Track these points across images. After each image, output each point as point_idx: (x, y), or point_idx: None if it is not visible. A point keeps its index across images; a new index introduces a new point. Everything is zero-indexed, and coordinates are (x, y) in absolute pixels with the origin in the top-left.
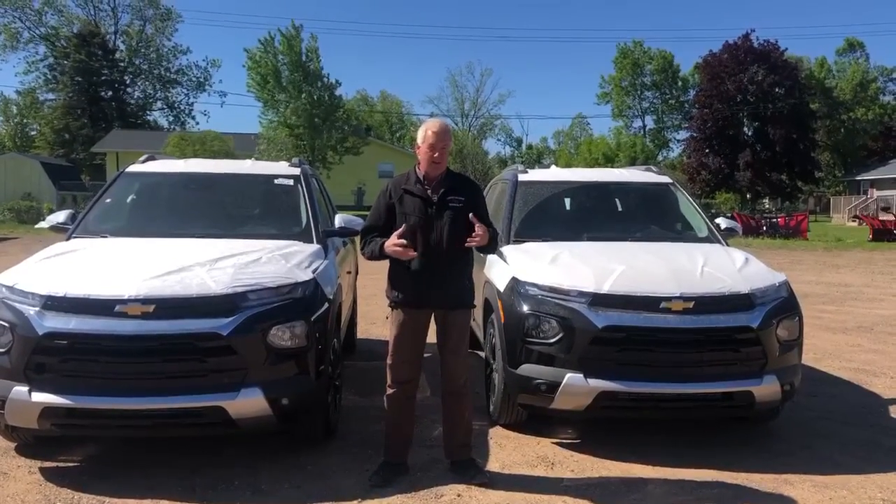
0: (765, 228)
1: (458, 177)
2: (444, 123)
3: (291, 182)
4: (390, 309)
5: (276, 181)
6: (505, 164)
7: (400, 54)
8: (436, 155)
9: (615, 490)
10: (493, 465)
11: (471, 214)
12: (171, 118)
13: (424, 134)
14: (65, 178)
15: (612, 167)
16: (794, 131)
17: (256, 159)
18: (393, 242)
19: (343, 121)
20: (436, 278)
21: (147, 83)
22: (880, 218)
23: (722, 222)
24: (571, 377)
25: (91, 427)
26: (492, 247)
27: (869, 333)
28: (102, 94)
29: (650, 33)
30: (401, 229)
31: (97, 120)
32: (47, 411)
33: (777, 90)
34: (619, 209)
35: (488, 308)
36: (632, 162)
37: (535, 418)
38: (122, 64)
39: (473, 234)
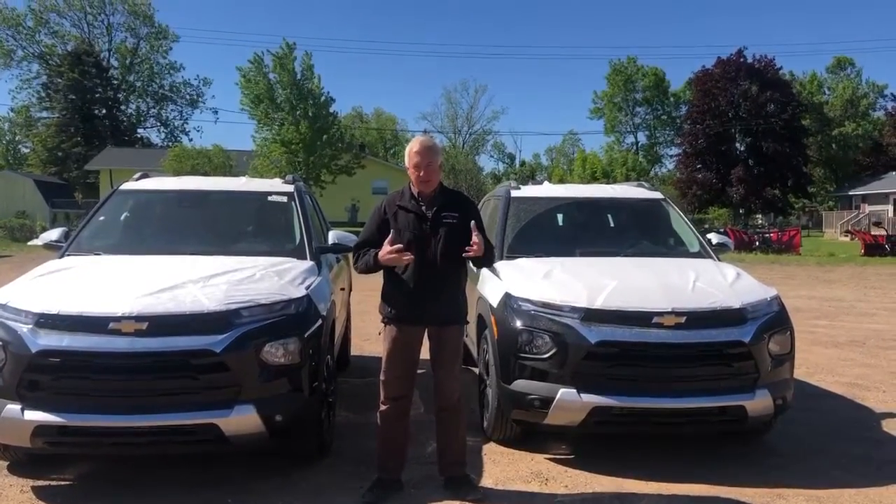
0: (757, 243)
1: (452, 193)
2: (426, 141)
3: (285, 199)
4: (383, 325)
5: (269, 198)
6: (498, 180)
7: (394, 72)
8: (422, 174)
9: None
10: (487, 481)
11: (472, 222)
12: (164, 135)
13: (408, 155)
14: (58, 195)
15: (607, 183)
16: (786, 146)
17: (250, 176)
18: (387, 250)
19: (338, 138)
20: (429, 294)
21: (140, 100)
22: (872, 233)
23: (713, 238)
24: (565, 392)
25: (84, 445)
26: (488, 259)
27: (861, 348)
28: (96, 111)
29: (642, 50)
30: (390, 237)
31: (90, 138)
32: (40, 429)
33: (770, 106)
34: (612, 225)
35: (482, 324)
36: (627, 178)
37: (529, 434)
38: (115, 82)
39: (470, 244)
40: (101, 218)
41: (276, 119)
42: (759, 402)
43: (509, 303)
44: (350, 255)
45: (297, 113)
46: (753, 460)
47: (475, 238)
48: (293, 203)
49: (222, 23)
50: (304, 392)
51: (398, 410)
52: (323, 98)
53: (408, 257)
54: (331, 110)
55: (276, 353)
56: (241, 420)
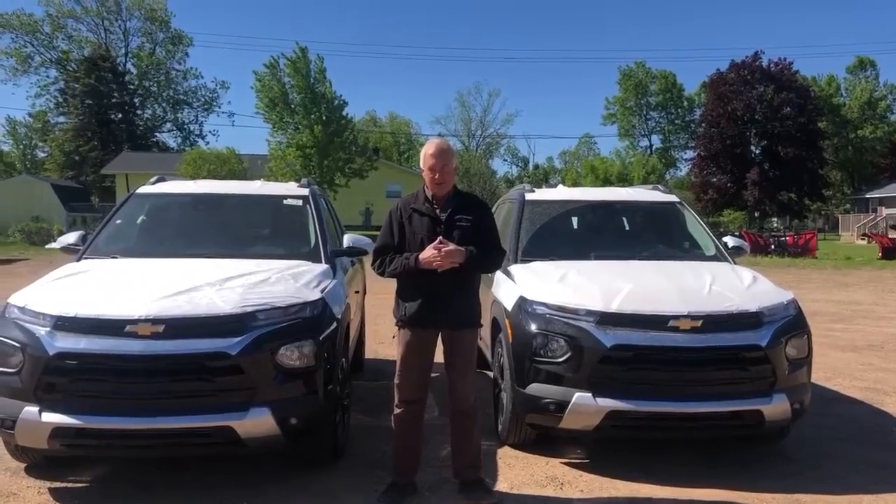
0: (773, 247)
1: (466, 196)
2: (441, 143)
3: (300, 202)
4: (397, 328)
5: (284, 202)
6: (511, 183)
7: (409, 76)
8: (437, 176)
9: None
10: (502, 486)
11: (439, 239)
12: (180, 139)
13: (423, 157)
14: (75, 199)
15: (622, 186)
16: (802, 150)
17: (266, 180)
18: (430, 254)
19: (350, 141)
20: (443, 297)
21: (157, 105)
22: (890, 236)
23: (729, 241)
24: (580, 396)
25: (100, 447)
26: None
27: (879, 352)
28: (112, 116)
29: (656, 53)
30: (436, 241)
31: (107, 142)
32: (57, 431)
33: (787, 109)
34: (627, 228)
35: (496, 327)
36: (646, 181)
37: (544, 438)
38: (131, 86)
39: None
40: (118, 221)
41: (290, 123)
42: (776, 407)
43: (524, 306)
44: (364, 259)
45: (312, 117)
46: (770, 465)
47: (444, 246)
48: (308, 206)
49: (237, 27)
50: (318, 395)
51: (412, 414)
52: (336, 102)
53: (454, 260)
54: (344, 114)
55: (291, 355)
56: (256, 422)
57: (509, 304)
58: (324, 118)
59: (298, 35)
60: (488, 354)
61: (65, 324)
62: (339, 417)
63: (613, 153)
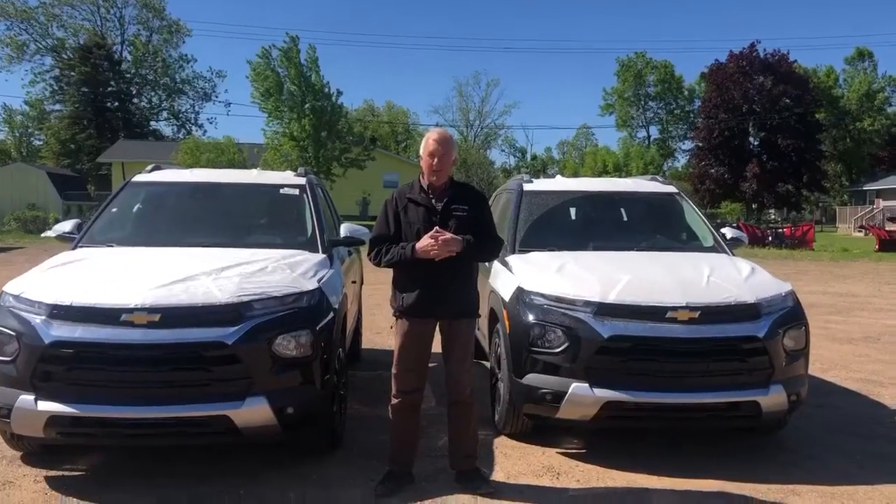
0: (770, 239)
1: (462, 186)
2: (444, 132)
3: (297, 192)
4: (395, 318)
5: (281, 191)
6: (509, 174)
7: (406, 65)
8: (435, 161)
9: (620, 500)
10: (499, 476)
11: (436, 228)
12: (175, 127)
13: (425, 142)
14: (70, 188)
15: (620, 177)
16: (801, 141)
17: (262, 169)
18: (427, 244)
19: (346, 131)
20: (440, 288)
21: (153, 93)
22: (887, 228)
23: (728, 232)
24: (577, 387)
25: (97, 436)
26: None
27: (876, 344)
28: (108, 104)
29: (654, 44)
30: (433, 231)
31: (103, 130)
32: (53, 420)
33: (785, 100)
34: (625, 219)
35: (493, 318)
36: (645, 171)
37: (541, 428)
38: (128, 75)
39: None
40: (114, 210)
41: (285, 112)
42: (773, 398)
43: (522, 297)
44: (361, 249)
45: (306, 107)
46: (767, 456)
47: (441, 235)
48: (305, 195)
49: (234, 16)
50: (315, 385)
51: (410, 404)
52: (328, 91)
53: (451, 249)
54: (338, 103)
55: (287, 345)
56: (253, 412)
57: (507, 295)
58: (316, 108)
59: (294, 23)
60: (485, 345)
61: (60, 312)
62: (336, 407)
63: (621, 145)
